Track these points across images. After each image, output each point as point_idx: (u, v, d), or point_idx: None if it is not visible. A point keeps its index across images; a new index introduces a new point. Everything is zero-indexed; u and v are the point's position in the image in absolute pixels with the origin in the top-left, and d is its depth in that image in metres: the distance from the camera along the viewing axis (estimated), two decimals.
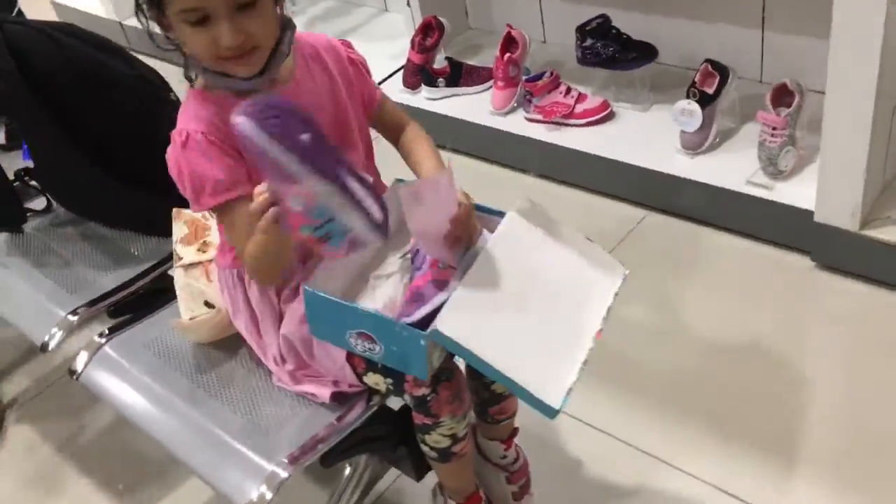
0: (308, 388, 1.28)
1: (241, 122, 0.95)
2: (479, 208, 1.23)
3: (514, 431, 1.45)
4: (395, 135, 1.35)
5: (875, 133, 1.66)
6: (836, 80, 1.64)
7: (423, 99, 2.54)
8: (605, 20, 2.25)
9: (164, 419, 1.34)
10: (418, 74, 2.54)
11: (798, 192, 1.90)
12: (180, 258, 1.49)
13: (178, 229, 1.52)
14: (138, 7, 1.12)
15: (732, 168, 2.02)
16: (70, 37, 1.48)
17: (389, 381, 1.21)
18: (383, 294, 1.21)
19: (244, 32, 1.08)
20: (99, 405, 1.89)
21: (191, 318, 1.38)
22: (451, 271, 1.17)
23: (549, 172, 2.34)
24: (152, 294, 1.59)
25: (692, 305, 1.91)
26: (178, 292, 1.45)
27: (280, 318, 1.28)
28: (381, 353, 1.13)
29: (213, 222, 1.51)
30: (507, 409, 1.40)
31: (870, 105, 1.61)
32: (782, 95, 1.95)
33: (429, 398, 1.19)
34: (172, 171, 1.16)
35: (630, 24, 2.29)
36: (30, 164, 1.84)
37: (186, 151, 1.13)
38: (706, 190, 2.03)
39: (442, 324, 1.06)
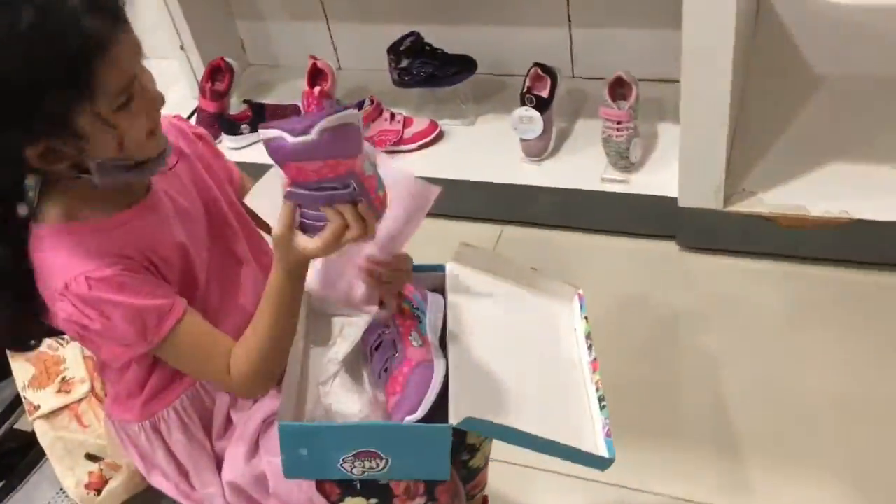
0: None
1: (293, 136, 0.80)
2: (416, 268, 1.09)
3: (485, 500, 1.33)
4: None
5: (732, 110, 1.70)
6: (691, 65, 1.64)
7: (227, 149, 2.27)
8: (416, 37, 2.14)
9: None
10: (216, 124, 2.27)
11: (654, 181, 1.91)
12: (36, 407, 1.16)
13: (22, 371, 1.19)
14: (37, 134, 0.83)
15: (582, 168, 1.99)
16: None
17: (374, 500, 1.01)
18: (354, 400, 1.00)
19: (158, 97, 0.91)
20: None
21: (85, 485, 1.07)
22: (427, 349, 1.00)
23: None
24: (10, 454, 1.23)
25: None
26: (47, 452, 1.12)
27: (217, 463, 1.03)
28: (387, 467, 0.94)
29: (66, 351, 1.19)
30: (482, 481, 1.28)
31: (726, 86, 1.64)
32: (617, 88, 1.95)
33: None
34: (79, 333, 0.90)
35: (439, 37, 2.19)
36: None
37: (98, 297, 0.88)
38: (560, 194, 1.99)
39: (465, 410, 0.91)
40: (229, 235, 1.08)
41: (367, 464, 0.94)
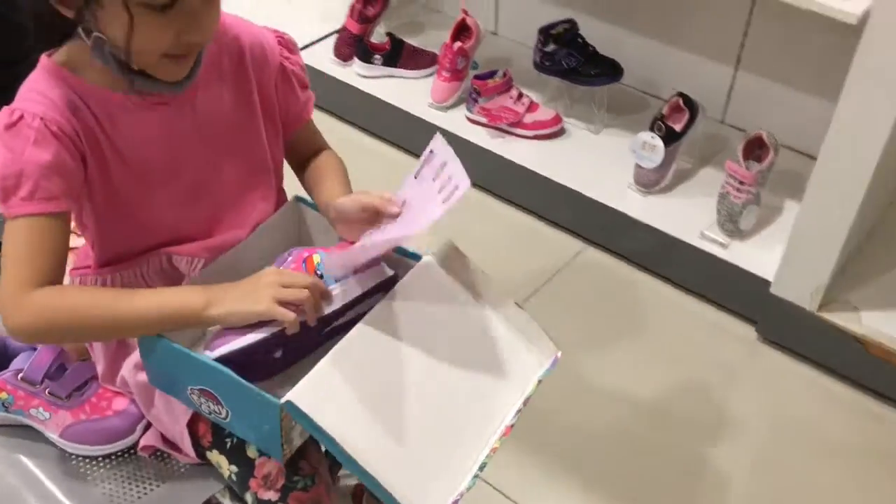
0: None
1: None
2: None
3: None
4: (302, 158, 1.10)
5: (861, 213, 1.51)
6: (834, 147, 1.47)
7: (355, 74, 2.25)
8: (572, 26, 2.02)
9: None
10: (353, 46, 2.24)
11: (755, 257, 1.74)
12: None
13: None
14: None
15: (687, 216, 1.84)
16: None
17: (234, 468, 0.96)
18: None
19: (209, 25, 0.86)
20: None
21: None
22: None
23: (484, 183, 2.10)
24: None
25: (619, 358, 1.73)
26: None
27: (115, 357, 1.01)
28: (228, 417, 0.88)
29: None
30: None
31: (864, 183, 1.45)
32: (754, 148, 1.78)
33: None
34: None
35: (596, 33, 2.07)
36: None
37: (9, 135, 0.85)
38: (655, 235, 1.84)
39: (298, 395, 0.81)
40: (252, 165, 1.02)
41: (211, 405, 0.88)
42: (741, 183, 1.74)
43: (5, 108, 0.87)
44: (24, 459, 1.02)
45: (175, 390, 0.92)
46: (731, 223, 1.77)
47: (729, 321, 1.80)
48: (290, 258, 0.96)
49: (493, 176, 2.06)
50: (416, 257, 0.99)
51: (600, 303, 1.86)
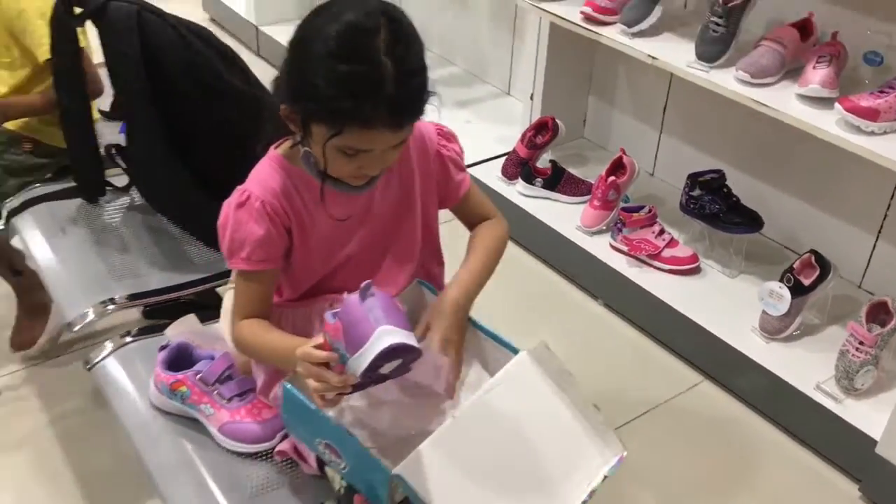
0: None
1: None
2: (494, 337, 1.20)
3: None
4: (467, 223, 1.36)
5: None
6: None
7: (517, 192, 2.51)
8: (720, 176, 2.19)
9: (154, 444, 1.28)
10: (519, 167, 2.51)
11: (866, 416, 1.79)
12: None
13: None
14: (286, 91, 1.10)
15: (805, 367, 1.91)
16: (200, 40, 1.49)
17: (345, 484, 1.15)
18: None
19: (386, 163, 1.13)
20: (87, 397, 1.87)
21: None
22: None
23: (618, 306, 2.26)
24: (193, 306, 1.55)
25: (713, 495, 1.80)
26: (223, 313, 1.41)
27: (280, 371, 1.25)
28: (346, 469, 1.08)
29: None
30: None
31: None
32: (879, 312, 1.85)
33: None
34: (220, 220, 1.17)
35: (742, 187, 2.22)
36: (122, 140, 1.85)
37: (240, 211, 1.15)
38: (771, 379, 1.92)
39: (406, 469, 1.00)
40: (402, 246, 1.27)
41: (332, 456, 1.07)
42: (861, 343, 1.80)
43: (239, 188, 1.17)
44: (186, 444, 1.27)
45: (304, 437, 1.13)
46: (847, 380, 1.83)
47: (834, 475, 1.83)
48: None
49: (626, 301, 2.23)
50: (512, 349, 1.17)
51: (708, 436, 1.94)
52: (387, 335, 0.97)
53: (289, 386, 1.09)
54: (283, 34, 3.35)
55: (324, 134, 1.06)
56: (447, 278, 1.29)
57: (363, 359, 0.97)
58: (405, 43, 1.05)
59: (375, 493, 1.06)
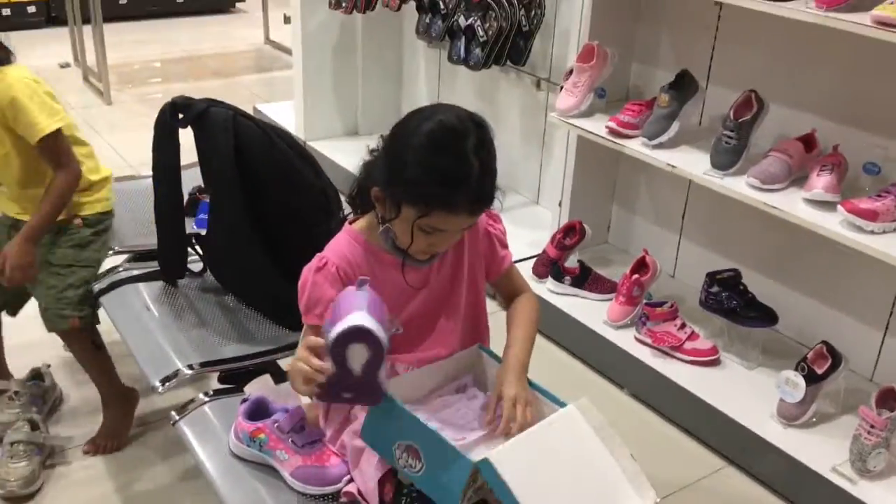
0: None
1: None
2: (544, 393, 1.39)
3: None
4: (505, 297, 1.56)
5: None
6: None
7: (547, 290, 2.70)
8: (736, 274, 2.38)
9: (234, 488, 1.44)
10: (549, 266, 2.71)
11: (879, 496, 1.90)
12: None
13: None
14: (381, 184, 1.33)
15: (822, 450, 2.04)
16: (282, 140, 1.74)
17: None
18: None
19: (453, 242, 1.36)
20: (174, 459, 2.02)
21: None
22: None
23: (643, 395, 2.41)
24: (260, 374, 1.73)
25: None
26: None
27: (346, 420, 1.42)
28: (420, 472, 1.22)
29: None
30: None
31: None
32: (889, 398, 1.99)
33: None
34: (300, 282, 1.38)
35: (758, 284, 2.40)
36: (200, 231, 2.08)
37: (318, 274, 1.36)
38: (790, 462, 2.04)
39: (496, 457, 1.16)
40: (448, 316, 1.47)
41: (409, 460, 1.23)
42: (872, 427, 1.94)
43: (319, 255, 1.38)
44: (262, 488, 1.42)
45: (382, 445, 1.29)
46: (861, 462, 1.95)
47: None
48: None
49: (651, 390, 2.38)
50: (560, 403, 1.36)
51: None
52: (359, 319, 1.17)
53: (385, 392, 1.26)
54: (327, 148, 3.69)
55: (413, 214, 1.28)
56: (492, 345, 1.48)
57: (334, 331, 1.17)
58: (487, 147, 1.30)
59: (448, 494, 1.21)
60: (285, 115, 3.93)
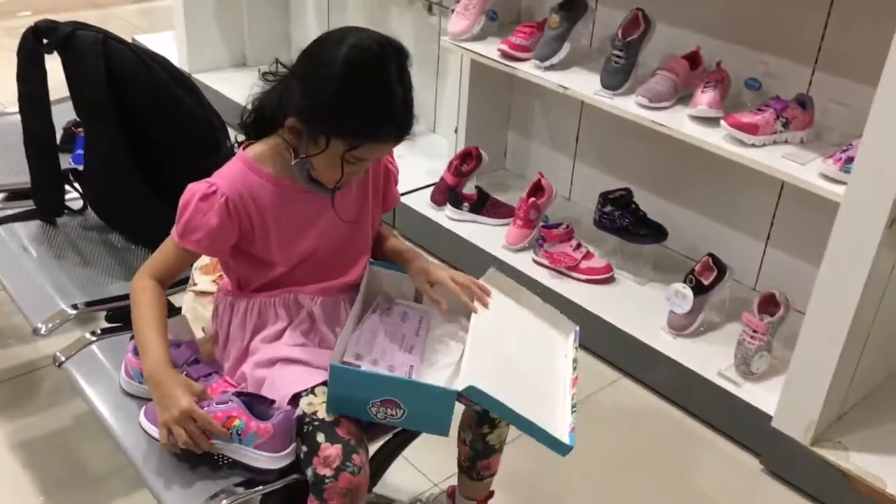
0: None
1: None
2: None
3: (491, 494, 1.56)
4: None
5: (842, 362, 1.79)
6: (817, 306, 1.79)
7: (446, 217, 2.70)
8: (627, 193, 2.43)
9: (127, 425, 1.39)
10: (447, 194, 2.71)
11: (762, 396, 2.01)
12: (195, 284, 1.60)
13: (203, 258, 1.63)
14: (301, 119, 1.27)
15: (708, 357, 2.14)
16: (159, 66, 1.64)
17: (305, 448, 1.29)
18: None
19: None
20: (62, 404, 1.95)
21: None
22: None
23: None
24: None
25: (635, 475, 1.99)
26: (183, 313, 1.54)
27: (244, 354, 1.40)
28: (403, 417, 1.25)
29: None
30: (493, 465, 1.53)
31: (842, 336, 1.75)
32: (769, 304, 2.09)
33: (327, 480, 1.25)
34: (182, 199, 1.31)
35: (649, 203, 2.47)
36: (77, 167, 1.97)
37: (205, 202, 1.30)
38: (680, 370, 2.14)
39: (473, 379, 1.22)
40: (360, 245, 1.45)
41: (389, 411, 1.24)
42: (754, 332, 2.04)
43: (209, 179, 1.31)
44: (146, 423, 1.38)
45: (354, 409, 1.27)
46: (745, 366, 2.05)
47: (737, 451, 2.05)
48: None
49: None
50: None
51: (627, 423, 2.14)
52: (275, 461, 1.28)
53: (336, 364, 1.25)
54: (214, 80, 3.54)
55: (342, 147, 1.24)
56: None
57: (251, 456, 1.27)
58: (408, 72, 1.27)
59: (440, 424, 1.26)
60: (167, 46, 3.74)
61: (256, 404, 1.29)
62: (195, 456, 1.29)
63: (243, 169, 1.33)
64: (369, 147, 1.27)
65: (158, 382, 1.27)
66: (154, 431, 1.31)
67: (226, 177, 1.32)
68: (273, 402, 1.31)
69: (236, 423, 1.26)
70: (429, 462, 1.85)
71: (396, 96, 1.24)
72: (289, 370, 1.34)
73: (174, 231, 1.33)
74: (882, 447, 1.88)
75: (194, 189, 1.31)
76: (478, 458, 1.50)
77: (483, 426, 1.46)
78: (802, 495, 1.93)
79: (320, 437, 1.28)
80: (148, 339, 1.30)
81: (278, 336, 1.39)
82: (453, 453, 1.55)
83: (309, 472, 1.28)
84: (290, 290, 1.39)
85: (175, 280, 1.40)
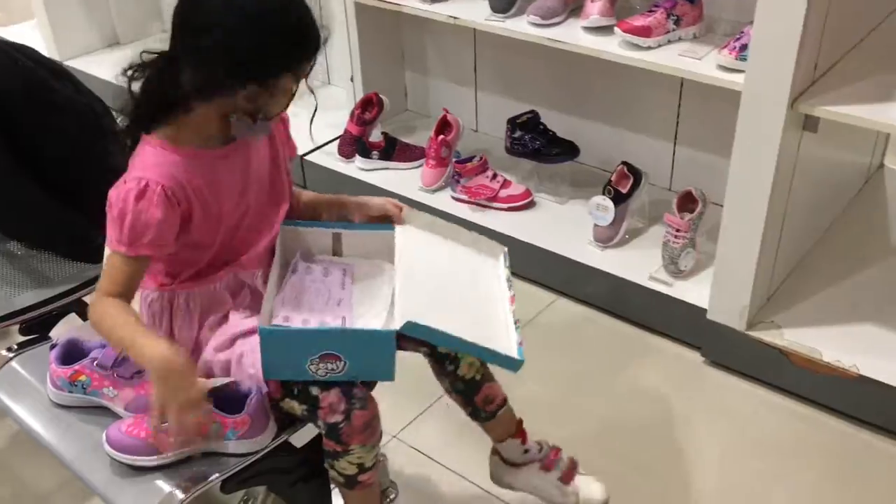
0: None
1: None
2: (369, 227, 1.45)
3: (520, 422, 1.54)
4: None
5: (764, 244, 1.84)
6: (733, 195, 1.82)
7: (356, 168, 2.65)
8: (534, 115, 2.42)
9: (64, 437, 1.33)
10: (354, 145, 2.65)
11: (694, 291, 2.06)
12: None
13: None
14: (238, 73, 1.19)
15: (637, 263, 2.17)
16: (28, 58, 1.53)
17: (304, 407, 1.26)
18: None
19: None
20: None
21: None
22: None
23: None
24: (64, 316, 1.60)
25: (589, 385, 2.03)
26: None
27: (196, 346, 1.33)
28: (345, 369, 1.21)
29: None
30: (493, 394, 1.49)
31: (761, 220, 1.79)
32: (687, 202, 2.13)
33: (341, 425, 1.24)
34: (112, 211, 1.21)
35: (557, 122, 2.46)
36: None
37: (140, 200, 1.19)
38: (612, 280, 2.17)
39: (409, 315, 1.19)
40: (282, 194, 1.40)
41: (329, 366, 1.20)
42: (677, 230, 2.07)
43: (131, 176, 1.21)
44: (95, 429, 1.32)
45: (294, 370, 1.22)
46: (673, 265, 2.09)
47: (679, 348, 2.10)
48: None
49: None
50: (390, 228, 1.43)
51: (571, 340, 2.17)
52: None
53: (267, 328, 1.21)
54: (87, 64, 3.36)
55: (290, 80, 1.22)
56: None
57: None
58: None
59: (383, 369, 1.24)
60: (30, 36, 3.52)
61: (226, 398, 1.25)
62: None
63: (160, 152, 1.23)
64: (306, 67, 1.23)
65: (171, 370, 1.16)
66: (124, 458, 1.25)
67: (148, 167, 1.22)
68: (237, 384, 1.27)
69: (213, 426, 1.24)
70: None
71: (305, 17, 1.21)
72: (249, 343, 1.28)
73: (115, 244, 1.21)
74: (813, 319, 1.96)
75: (122, 193, 1.20)
76: (471, 396, 1.47)
77: (445, 364, 1.43)
78: (746, 378, 2.00)
79: (314, 390, 1.25)
80: (139, 336, 1.19)
81: (226, 318, 1.34)
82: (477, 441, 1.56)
83: (320, 424, 1.26)
84: (230, 269, 1.34)
85: (134, 293, 1.27)
